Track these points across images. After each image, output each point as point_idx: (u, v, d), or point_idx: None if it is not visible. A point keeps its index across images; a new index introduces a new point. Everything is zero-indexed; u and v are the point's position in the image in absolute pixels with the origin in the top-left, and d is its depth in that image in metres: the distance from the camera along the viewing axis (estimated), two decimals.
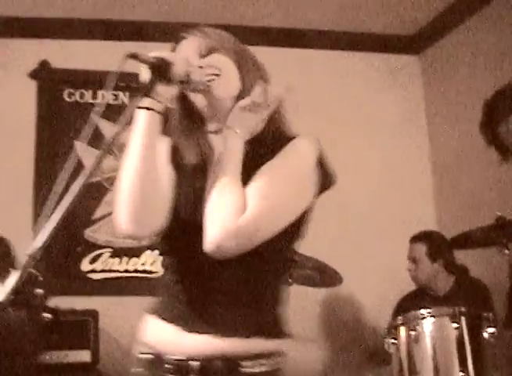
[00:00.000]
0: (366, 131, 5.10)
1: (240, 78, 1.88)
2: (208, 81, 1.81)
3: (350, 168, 4.95)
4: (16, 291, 1.30)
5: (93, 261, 4.73)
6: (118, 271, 4.75)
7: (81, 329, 4.06)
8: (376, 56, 5.35)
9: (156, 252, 4.75)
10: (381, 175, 5.08)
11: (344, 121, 5.04)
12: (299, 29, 5.13)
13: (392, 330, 3.46)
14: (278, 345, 1.82)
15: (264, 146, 1.84)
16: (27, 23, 4.89)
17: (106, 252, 4.74)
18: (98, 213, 4.76)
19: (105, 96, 4.91)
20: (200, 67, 1.81)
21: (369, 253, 4.80)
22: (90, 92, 4.94)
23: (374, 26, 5.17)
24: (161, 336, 1.82)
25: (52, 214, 1.39)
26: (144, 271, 4.76)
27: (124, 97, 4.90)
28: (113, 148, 4.68)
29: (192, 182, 1.85)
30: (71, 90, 4.94)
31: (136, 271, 4.77)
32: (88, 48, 4.90)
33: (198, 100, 1.87)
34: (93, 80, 4.89)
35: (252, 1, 4.77)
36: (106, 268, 4.74)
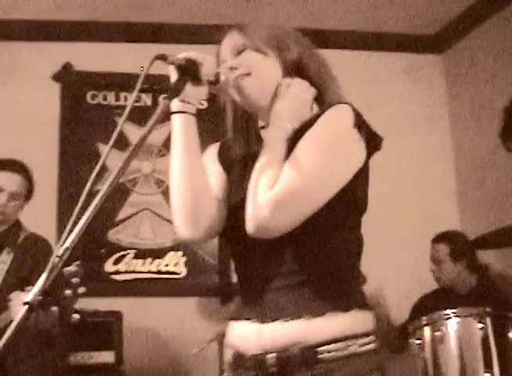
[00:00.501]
0: (389, 131, 5.02)
1: (282, 70, 1.86)
2: (237, 80, 1.80)
3: (372, 168, 4.93)
4: (44, 292, 1.30)
5: (117, 262, 4.74)
6: (142, 272, 4.77)
7: (104, 330, 4.08)
8: (399, 55, 5.32)
9: (180, 253, 4.77)
10: (404, 174, 5.06)
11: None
12: (321, 29, 5.11)
13: (416, 330, 3.43)
14: (358, 321, 1.74)
15: (306, 125, 1.78)
16: (50, 26, 4.92)
17: (130, 253, 4.76)
18: (121, 214, 4.77)
19: (128, 98, 4.93)
20: (232, 68, 1.81)
21: (392, 253, 4.77)
22: (113, 93, 4.97)
23: (396, 25, 5.15)
24: (240, 335, 1.81)
25: (79, 215, 1.40)
26: (167, 272, 4.77)
27: (146, 99, 4.91)
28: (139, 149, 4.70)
29: (242, 176, 1.83)
30: (94, 92, 4.96)
31: (160, 272, 4.77)
32: (111, 51, 4.93)
33: (236, 100, 1.86)
34: (116, 82, 4.92)
35: (273, 2, 4.76)
36: (130, 269, 4.76)
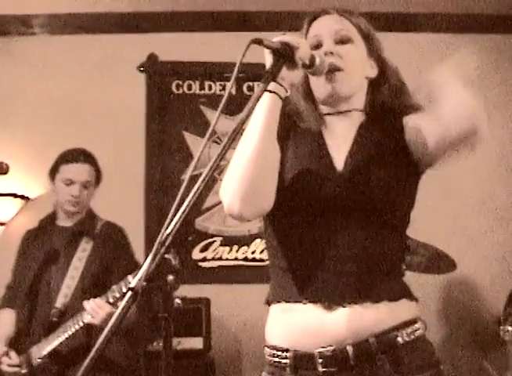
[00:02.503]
0: None
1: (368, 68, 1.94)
2: (330, 70, 1.82)
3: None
4: (148, 278, 1.32)
5: (204, 249, 4.80)
6: (228, 259, 4.81)
7: (193, 317, 4.13)
8: (489, 37, 5.19)
9: None
10: (496, 160, 4.95)
11: None
12: (410, 13, 5.04)
13: (509, 317, 3.37)
14: (417, 309, 1.84)
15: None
16: (135, 17, 4.99)
17: (217, 241, 4.81)
18: (208, 202, 4.81)
19: (212, 87, 4.97)
20: (331, 53, 1.84)
21: (483, 239, 4.69)
22: (197, 83, 5.00)
23: (485, 6, 5.02)
24: (302, 327, 1.77)
25: (179, 202, 1.41)
26: (254, 259, 4.80)
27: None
28: (221, 137, 4.75)
29: (309, 152, 1.87)
30: (179, 82, 5.01)
31: (246, 259, 4.81)
32: (194, 40, 4.96)
33: (320, 87, 1.88)
34: (200, 71, 4.96)
35: None
36: (217, 256, 4.81)
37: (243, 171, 1.73)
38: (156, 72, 4.99)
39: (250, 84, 4.84)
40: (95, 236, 3.56)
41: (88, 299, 3.27)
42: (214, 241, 4.81)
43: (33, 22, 4.96)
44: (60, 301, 3.40)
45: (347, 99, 1.90)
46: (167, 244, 1.35)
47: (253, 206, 1.76)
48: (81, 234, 3.56)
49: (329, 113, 1.93)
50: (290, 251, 1.83)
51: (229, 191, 1.76)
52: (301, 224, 1.81)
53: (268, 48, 1.69)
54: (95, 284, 3.46)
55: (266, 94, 1.71)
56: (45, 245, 3.56)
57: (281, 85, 1.72)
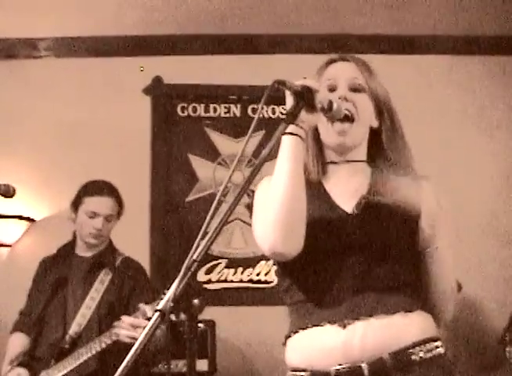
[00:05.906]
0: (487, 137, 4.98)
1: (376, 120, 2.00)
2: (344, 118, 1.88)
3: (468, 174, 4.85)
4: (176, 300, 1.37)
5: (209, 271, 4.79)
6: (233, 281, 4.81)
7: (198, 339, 4.12)
8: (493, 58, 5.20)
9: (271, 262, 4.78)
10: (496, 177, 4.95)
11: (464, 127, 4.94)
12: (414, 35, 5.06)
13: None
14: (432, 324, 1.87)
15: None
16: (140, 41, 5.02)
17: (222, 263, 4.81)
18: (212, 225, 4.81)
19: (217, 109, 4.99)
20: (345, 99, 1.91)
21: (488, 259, 4.68)
22: (202, 105, 5.02)
23: (489, 28, 5.03)
24: (318, 347, 1.81)
25: (206, 227, 1.46)
26: (259, 281, 4.80)
27: (235, 110, 4.95)
28: (225, 159, 4.78)
29: (317, 199, 1.92)
30: (184, 104, 5.03)
31: (251, 281, 4.81)
32: (199, 63, 4.98)
33: (331, 137, 1.94)
34: (205, 94, 4.99)
35: (363, 10, 4.73)
36: (222, 278, 4.81)
37: (279, 214, 1.79)
38: (162, 95, 5.02)
39: (255, 106, 4.85)
40: (114, 270, 3.58)
41: (101, 329, 3.34)
42: (219, 263, 4.81)
43: (39, 45, 5.01)
44: (74, 330, 3.41)
45: (353, 149, 1.97)
46: (193, 269, 1.41)
47: (293, 244, 1.81)
48: (100, 266, 3.59)
49: (332, 162, 1.99)
50: (307, 284, 1.89)
51: (269, 234, 1.81)
52: (316, 262, 1.86)
53: (289, 89, 1.75)
54: (109, 315, 3.45)
55: (288, 137, 1.79)
56: (60, 273, 3.58)
57: (301, 127, 1.79)
